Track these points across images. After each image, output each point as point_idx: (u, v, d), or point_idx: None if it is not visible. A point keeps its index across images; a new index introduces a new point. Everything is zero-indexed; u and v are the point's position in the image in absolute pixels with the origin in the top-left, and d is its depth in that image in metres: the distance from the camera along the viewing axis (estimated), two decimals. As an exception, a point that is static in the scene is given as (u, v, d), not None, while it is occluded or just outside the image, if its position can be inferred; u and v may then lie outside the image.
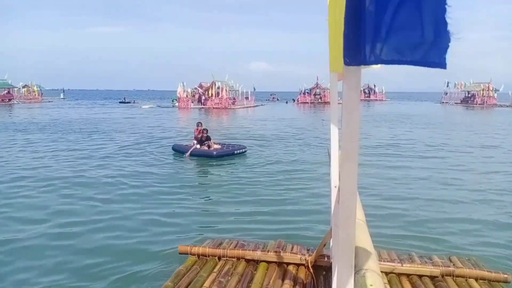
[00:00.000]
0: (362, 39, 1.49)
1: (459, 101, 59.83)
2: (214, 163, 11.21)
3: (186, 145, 12.73)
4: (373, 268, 1.78)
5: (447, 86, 63.03)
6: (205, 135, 12.55)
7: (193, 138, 12.98)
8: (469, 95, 59.51)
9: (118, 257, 4.91)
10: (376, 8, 1.41)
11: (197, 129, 12.91)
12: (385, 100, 69.00)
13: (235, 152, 12.03)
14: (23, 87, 61.63)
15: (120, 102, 60.50)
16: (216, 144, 12.60)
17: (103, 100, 70.42)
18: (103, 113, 34.39)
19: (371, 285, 1.59)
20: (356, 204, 1.67)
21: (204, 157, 11.65)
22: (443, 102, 62.19)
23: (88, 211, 6.68)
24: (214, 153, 11.73)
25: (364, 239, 2.19)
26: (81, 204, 7.10)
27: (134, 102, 59.89)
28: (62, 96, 73.89)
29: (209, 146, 12.24)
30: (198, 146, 12.27)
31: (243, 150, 12.33)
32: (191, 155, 11.91)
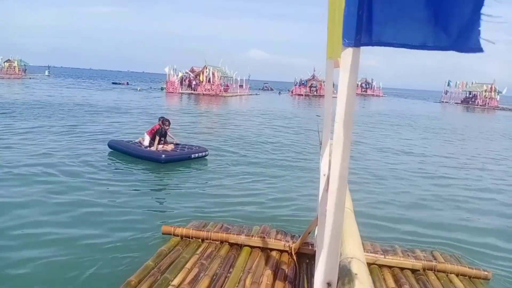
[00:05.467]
0: (363, 20, 1.44)
1: (459, 101, 58.86)
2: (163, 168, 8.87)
3: (128, 142, 10.17)
4: (358, 257, 1.76)
5: (448, 85, 62.27)
6: (166, 127, 9.81)
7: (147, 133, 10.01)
8: (470, 96, 58.66)
9: (100, 237, 4.87)
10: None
11: (165, 127, 9.93)
12: (382, 96, 68.78)
13: (192, 156, 9.50)
14: (6, 61, 59.19)
15: (112, 83, 59.70)
16: (170, 143, 9.92)
17: (91, 80, 68.22)
18: (77, 94, 31.64)
19: (356, 274, 1.57)
20: (346, 193, 1.64)
21: (150, 161, 9.09)
22: (442, 102, 61.26)
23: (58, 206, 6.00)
24: (162, 156, 9.02)
25: (351, 228, 2.18)
26: (48, 199, 6.23)
27: (127, 84, 58.60)
28: (47, 73, 71.73)
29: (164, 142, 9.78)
30: (149, 144, 9.62)
31: (203, 153, 9.79)
32: (132, 155, 9.44)
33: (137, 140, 10.20)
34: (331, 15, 2.68)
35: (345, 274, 1.60)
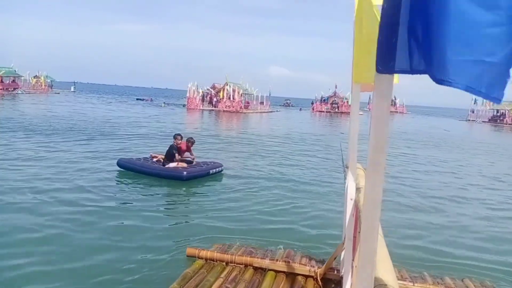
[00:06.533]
0: (396, 47, 1.43)
1: (487, 120, 57.86)
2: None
3: (139, 159, 9.99)
4: (391, 284, 1.70)
5: (474, 103, 61.23)
6: (179, 141, 9.85)
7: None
8: (498, 114, 57.88)
9: (126, 259, 4.89)
10: (411, 19, 1.35)
11: (177, 141, 9.81)
12: (406, 113, 67.89)
13: (211, 171, 9.60)
14: (34, 77, 60.36)
15: (136, 99, 60.72)
16: (183, 161, 9.74)
17: (116, 96, 69.22)
18: (99, 110, 31.90)
19: (390, 301, 1.52)
20: (378, 219, 1.60)
21: (171, 179, 9.00)
22: (469, 120, 59.81)
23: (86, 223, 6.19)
24: (184, 173, 8.98)
25: (381, 253, 2.11)
26: (70, 218, 6.33)
27: (151, 100, 59.21)
28: (72, 89, 73.46)
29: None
30: (172, 164, 9.46)
31: (220, 168, 9.96)
32: (149, 174, 9.23)
33: (149, 156, 10.16)
34: (357, 41, 2.67)
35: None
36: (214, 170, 9.71)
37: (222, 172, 10.01)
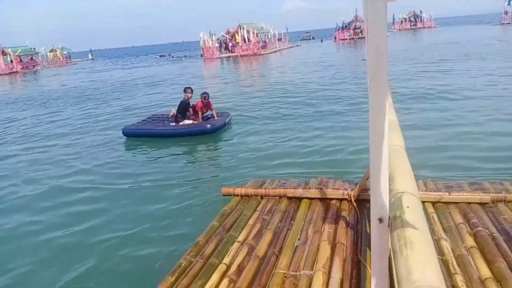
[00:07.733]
0: None
1: (524, 20, 53.71)
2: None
3: (141, 122, 9.77)
4: (410, 191, 1.73)
5: (508, 4, 56.44)
6: (189, 95, 9.29)
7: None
8: (536, 11, 53.49)
9: (166, 208, 5.22)
10: None
11: (188, 95, 9.20)
12: (434, 27, 64.09)
13: (226, 121, 9.45)
14: (51, 51, 61.30)
15: (160, 56, 60.09)
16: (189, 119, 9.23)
17: (133, 57, 69.09)
18: (119, 73, 32.55)
19: (407, 207, 1.55)
20: (384, 129, 1.60)
21: (196, 135, 8.72)
22: (503, 23, 55.22)
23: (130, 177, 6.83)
24: (208, 126, 8.80)
25: (402, 165, 2.13)
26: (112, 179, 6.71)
27: (169, 55, 58.77)
28: (90, 56, 74.61)
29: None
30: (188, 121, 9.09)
31: (230, 117, 9.88)
32: (172, 135, 8.83)
33: (171, 114, 9.50)
34: None
35: (396, 208, 1.59)
36: (228, 119, 9.61)
37: (231, 120, 9.88)
